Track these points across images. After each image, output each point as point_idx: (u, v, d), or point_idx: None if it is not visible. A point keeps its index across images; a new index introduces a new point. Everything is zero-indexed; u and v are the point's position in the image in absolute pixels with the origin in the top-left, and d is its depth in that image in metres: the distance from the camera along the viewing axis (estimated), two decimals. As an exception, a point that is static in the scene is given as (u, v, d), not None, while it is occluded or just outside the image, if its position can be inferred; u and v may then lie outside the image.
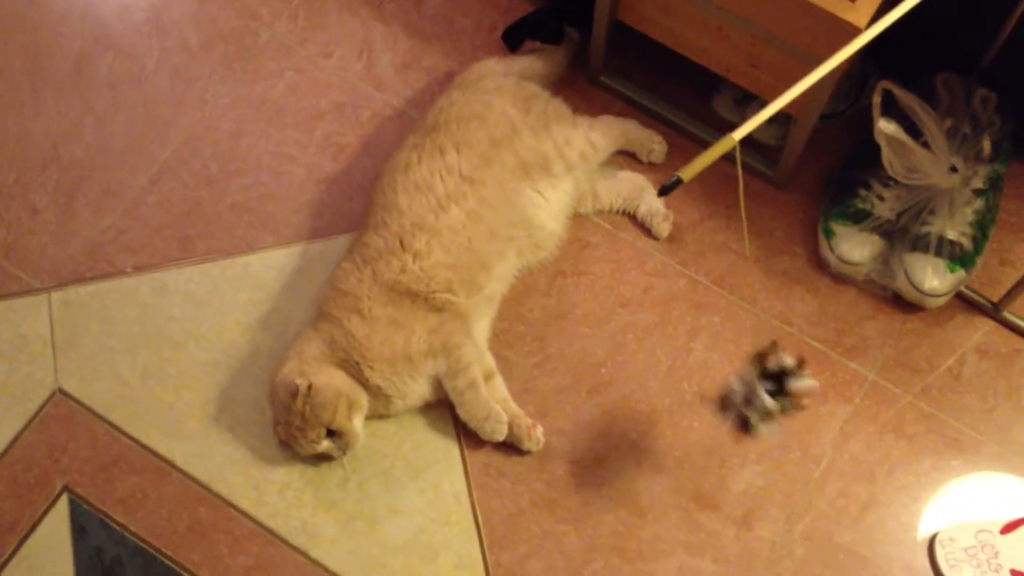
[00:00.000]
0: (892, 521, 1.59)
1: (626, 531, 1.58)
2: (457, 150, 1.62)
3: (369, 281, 1.57)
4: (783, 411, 1.34)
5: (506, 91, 1.71)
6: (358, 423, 1.56)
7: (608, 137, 1.75)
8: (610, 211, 1.77)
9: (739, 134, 1.19)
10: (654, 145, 1.80)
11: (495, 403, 1.58)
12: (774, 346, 1.35)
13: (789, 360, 1.34)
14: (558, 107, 1.73)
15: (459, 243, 1.58)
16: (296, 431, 1.52)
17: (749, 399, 1.34)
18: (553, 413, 1.64)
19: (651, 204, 1.76)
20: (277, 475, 1.61)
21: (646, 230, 1.76)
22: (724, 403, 1.37)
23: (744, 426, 1.35)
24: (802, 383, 1.34)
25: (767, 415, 1.34)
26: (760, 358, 1.35)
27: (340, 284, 1.59)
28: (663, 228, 1.75)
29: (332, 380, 1.53)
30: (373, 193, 1.66)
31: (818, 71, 1.21)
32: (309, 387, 1.50)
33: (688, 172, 1.19)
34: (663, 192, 1.23)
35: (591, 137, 1.72)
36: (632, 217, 1.77)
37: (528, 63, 1.81)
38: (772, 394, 1.33)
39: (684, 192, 1.78)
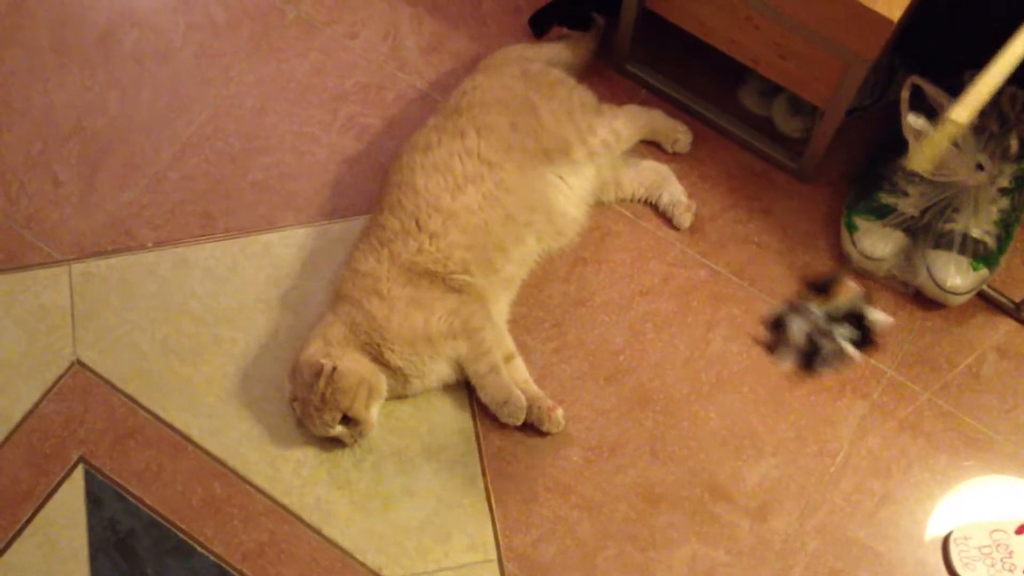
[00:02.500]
0: (907, 518, 1.59)
1: (639, 519, 1.58)
2: (478, 133, 1.62)
3: (387, 262, 1.57)
4: (855, 348, 1.20)
5: (531, 77, 1.70)
6: (374, 412, 1.56)
7: (632, 126, 1.74)
8: (632, 200, 1.77)
9: (963, 116, 1.11)
10: (679, 135, 1.79)
11: (515, 387, 1.58)
12: (840, 278, 1.20)
13: (859, 296, 1.20)
14: (583, 94, 1.73)
15: (475, 224, 1.58)
16: (313, 411, 1.52)
17: (813, 338, 1.20)
18: (570, 400, 1.64)
19: (673, 194, 1.75)
20: (293, 453, 1.61)
21: (668, 220, 1.76)
22: (776, 341, 1.22)
23: (807, 365, 1.21)
24: (877, 318, 1.20)
25: (838, 355, 1.19)
26: (821, 288, 1.20)
27: (358, 266, 1.59)
28: (685, 218, 1.74)
29: (356, 366, 1.53)
30: (390, 172, 1.66)
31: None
32: (334, 369, 1.50)
33: (919, 162, 1.12)
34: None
35: (615, 126, 1.71)
36: (654, 207, 1.77)
37: (554, 50, 1.81)
38: (845, 332, 1.19)
39: (706, 183, 1.78)
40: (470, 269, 1.58)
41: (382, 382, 1.56)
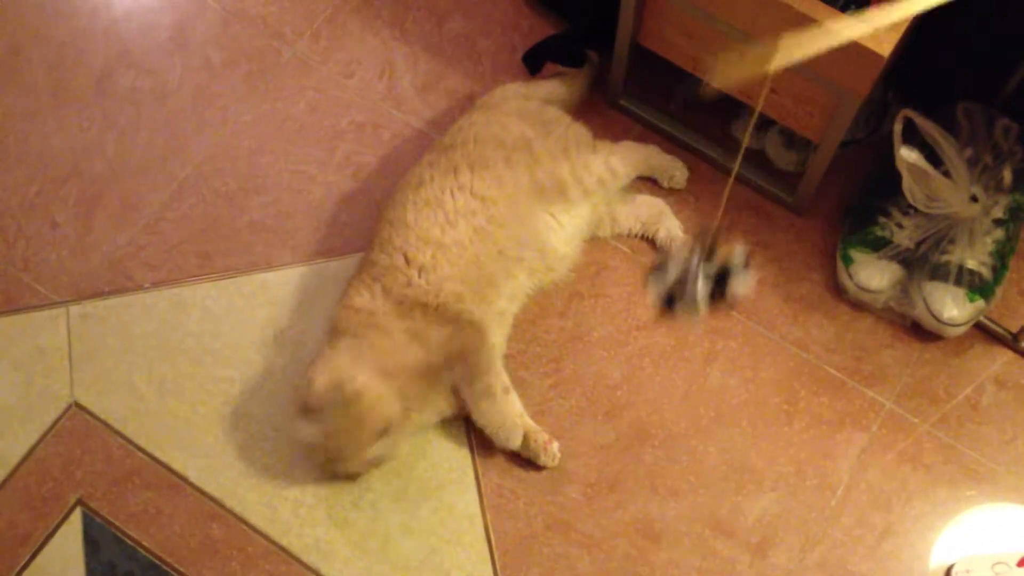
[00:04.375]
0: (908, 551, 1.58)
1: (640, 556, 1.57)
2: (471, 169, 1.63)
3: (381, 298, 1.57)
4: (710, 304, 1.26)
5: (526, 114, 1.71)
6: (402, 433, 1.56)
7: (628, 163, 1.75)
8: (628, 235, 1.77)
9: None
10: (675, 171, 1.80)
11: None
12: (722, 232, 1.26)
13: (739, 256, 1.25)
14: (578, 132, 1.73)
15: (466, 258, 1.58)
16: (347, 438, 1.50)
17: (683, 280, 1.26)
18: (568, 435, 1.64)
19: (669, 228, 1.75)
20: (291, 492, 1.60)
21: (664, 254, 1.76)
22: (656, 274, 1.28)
23: (668, 304, 1.27)
24: (740, 285, 1.25)
25: (693, 304, 1.26)
26: (706, 239, 1.25)
27: (352, 302, 1.59)
28: (681, 253, 1.74)
29: (373, 383, 1.51)
30: (384, 207, 1.66)
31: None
32: (357, 390, 1.48)
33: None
34: None
35: (611, 163, 1.72)
36: (650, 241, 1.77)
37: (549, 87, 1.82)
38: (710, 283, 1.25)
39: (701, 217, 1.78)
40: (463, 300, 1.58)
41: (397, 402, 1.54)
